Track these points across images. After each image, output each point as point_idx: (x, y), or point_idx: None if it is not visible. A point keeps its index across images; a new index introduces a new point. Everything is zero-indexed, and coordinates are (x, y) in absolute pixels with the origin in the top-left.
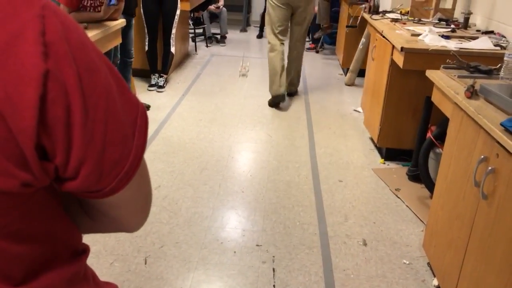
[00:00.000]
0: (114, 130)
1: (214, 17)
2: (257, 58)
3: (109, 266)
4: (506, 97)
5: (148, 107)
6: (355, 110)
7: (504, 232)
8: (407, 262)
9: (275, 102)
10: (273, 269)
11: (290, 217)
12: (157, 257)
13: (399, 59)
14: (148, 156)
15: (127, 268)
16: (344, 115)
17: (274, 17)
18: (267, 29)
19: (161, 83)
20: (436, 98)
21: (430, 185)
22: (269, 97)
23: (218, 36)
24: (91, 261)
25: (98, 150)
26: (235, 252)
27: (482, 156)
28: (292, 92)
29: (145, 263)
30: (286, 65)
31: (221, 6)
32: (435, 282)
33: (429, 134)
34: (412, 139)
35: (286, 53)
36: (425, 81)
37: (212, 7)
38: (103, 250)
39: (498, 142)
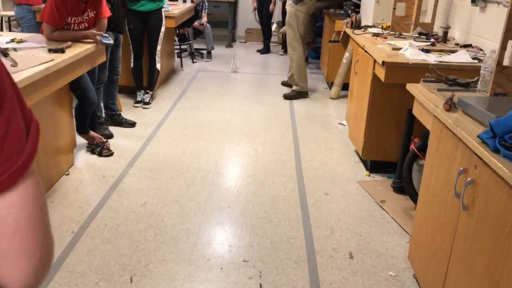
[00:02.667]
0: (14, 125)
1: (198, 33)
2: (244, 74)
3: (94, 285)
4: (483, 109)
5: (133, 123)
6: (340, 123)
7: (484, 242)
8: (393, 274)
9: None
10: (260, 285)
11: (277, 231)
12: (143, 276)
13: (381, 73)
14: (133, 173)
15: (113, 287)
16: (329, 128)
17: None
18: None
19: (146, 100)
20: (416, 111)
21: (414, 197)
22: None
23: (204, 52)
24: (76, 281)
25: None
26: (221, 268)
27: (462, 168)
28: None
29: (131, 282)
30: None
31: (205, 23)
32: None
33: (412, 146)
34: (396, 151)
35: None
36: (407, 94)
37: (196, 23)
38: (87, 270)
39: (476, 154)
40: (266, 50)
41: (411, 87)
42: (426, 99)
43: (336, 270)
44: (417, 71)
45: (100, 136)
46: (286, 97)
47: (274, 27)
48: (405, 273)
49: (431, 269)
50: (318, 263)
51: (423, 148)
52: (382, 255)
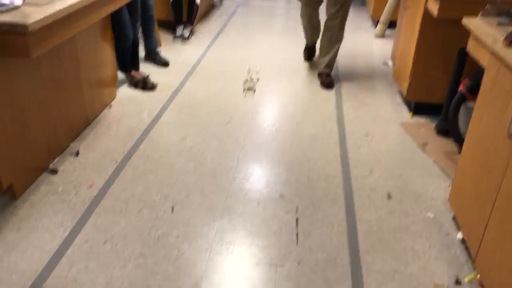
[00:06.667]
0: None
1: None
2: (283, 9)
3: (138, 213)
4: None
5: (167, 63)
6: (384, 64)
7: None
8: (431, 216)
9: None
10: (296, 219)
11: (314, 169)
12: (184, 205)
13: (434, 7)
14: (174, 107)
15: (155, 215)
16: (372, 68)
17: None
18: None
19: (186, 35)
20: (471, 47)
21: (459, 140)
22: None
23: None
24: (120, 207)
25: None
26: (259, 202)
27: None
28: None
29: (172, 211)
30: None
31: None
32: (460, 235)
33: (460, 88)
34: (442, 92)
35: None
36: (459, 31)
37: None
38: (131, 198)
39: None
40: None
41: (467, 21)
42: (484, 34)
43: (373, 210)
44: (474, 6)
45: (140, 75)
46: (328, 86)
47: None
48: (444, 215)
49: (474, 212)
50: (355, 202)
51: (473, 90)
52: (421, 197)
